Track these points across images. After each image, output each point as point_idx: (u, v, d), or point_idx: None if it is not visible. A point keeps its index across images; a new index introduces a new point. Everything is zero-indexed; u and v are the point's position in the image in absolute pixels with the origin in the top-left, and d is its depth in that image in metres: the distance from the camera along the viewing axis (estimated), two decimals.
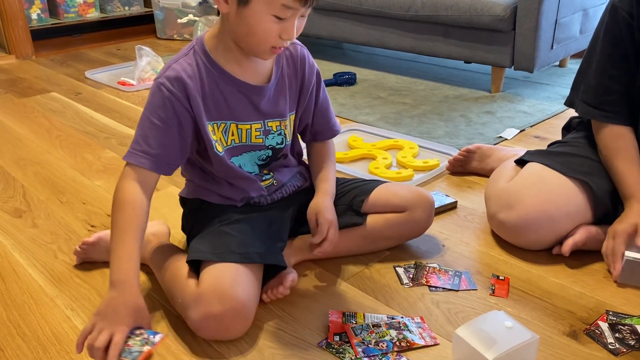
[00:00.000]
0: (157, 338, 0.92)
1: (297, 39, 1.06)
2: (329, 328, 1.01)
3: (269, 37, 0.97)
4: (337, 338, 0.99)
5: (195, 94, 1.03)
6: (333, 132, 1.25)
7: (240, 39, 1.01)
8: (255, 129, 1.11)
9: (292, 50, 1.14)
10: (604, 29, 1.22)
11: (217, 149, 1.08)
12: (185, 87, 1.02)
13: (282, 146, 1.16)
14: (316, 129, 1.23)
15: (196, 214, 1.17)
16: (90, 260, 1.25)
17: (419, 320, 1.05)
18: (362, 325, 1.02)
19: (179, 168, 1.17)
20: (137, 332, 0.94)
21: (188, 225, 1.20)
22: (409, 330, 1.02)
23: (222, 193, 1.15)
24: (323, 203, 1.13)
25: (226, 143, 1.09)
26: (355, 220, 1.20)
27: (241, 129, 1.09)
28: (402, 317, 1.06)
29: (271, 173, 1.18)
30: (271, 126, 1.12)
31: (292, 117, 1.17)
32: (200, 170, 1.15)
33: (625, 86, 1.22)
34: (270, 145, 1.14)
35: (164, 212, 1.49)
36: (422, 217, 1.23)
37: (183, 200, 1.23)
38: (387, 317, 1.06)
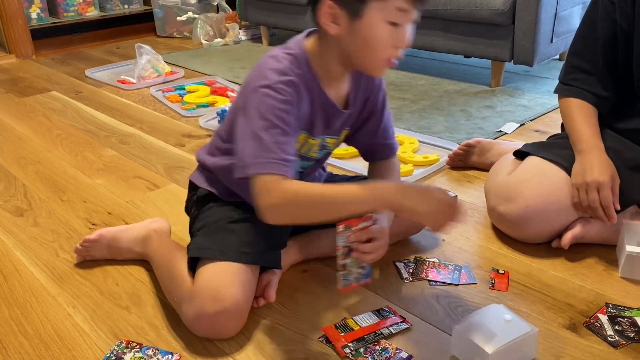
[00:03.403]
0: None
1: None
2: (335, 346, 1.00)
3: (386, 48, 0.95)
4: (347, 350, 0.98)
5: (303, 100, 1.00)
6: (393, 149, 1.22)
7: (353, 57, 0.98)
8: (318, 143, 1.11)
9: None
10: (584, 13, 1.28)
11: None
12: (298, 92, 0.98)
13: (324, 158, 1.18)
14: (377, 147, 1.20)
15: (202, 203, 1.15)
16: (92, 258, 1.25)
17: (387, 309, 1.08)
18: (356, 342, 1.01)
19: (201, 152, 1.18)
20: (149, 352, 0.97)
21: (192, 212, 1.18)
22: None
23: (240, 192, 1.11)
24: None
25: None
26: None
27: (307, 140, 1.08)
28: (387, 310, 1.07)
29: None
30: (328, 142, 1.13)
31: (346, 132, 1.15)
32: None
33: (596, 67, 1.25)
34: (318, 157, 1.15)
35: (164, 209, 1.50)
36: (413, 229, 1.26)
37: (193, 186, 1.20)
38: (374, 314, 1.06)
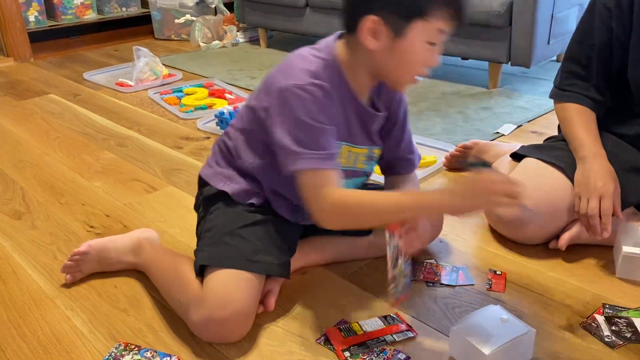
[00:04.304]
0: None
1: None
2: (335, 349, 0.99)
3: (419, 66, 0.98)
4: (347, 354, 0.98)
5: (335, 107, 1.00)
6: (414, 164, 1.21)
7: (386, 71, 1.00)
8: (364, 154, 1.11)
9: None
10: (580, 18, 1.27)
11: None
12: (329, 98, 0.98)
13: (372, 171, 1.17)
14: (400, 161, 1.19)
15: (212, 203, 1.12)
16: (82, 274, 1.20)
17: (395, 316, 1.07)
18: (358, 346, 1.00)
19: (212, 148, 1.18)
20: (148, 354, 0.97)
21: (200, 211, 1.16)
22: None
23: (249, 187, 1.09)
24: None
25: None
26: (361, 231, 1.20)
27: (351, 151, 1.08)
28: (393, 316, 1.07)
29: None
30: (375, 153, 1.13)
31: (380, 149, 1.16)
32: (259, 172, 1.08)
33: (590, 73, 1.25)
34: (368, 171, 1.14)
35: (162, 212, 1.50)
36: (432, 236, 1.25)
37: (202, 182, 1.17)
38: (381, 320, 1.06)
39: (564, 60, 1.31)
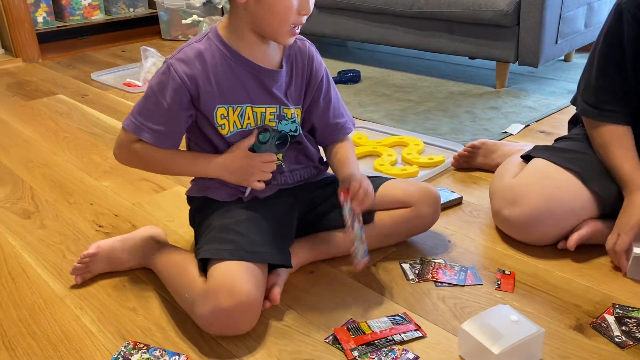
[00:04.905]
0: None
1: (303, 36, 1.09)
2: (343, 348, 0.99)
3: (289, 15, 1.01)
4: (355, 353, 0.98)
5: (205, 79, 1.06)
6: (345, 127, 1.23)
7: (261, 24, 1.04)
8: (270, 112, 1.12)
9: (301, 45, 1.15)
10: (606, 29, 1.21)
11: (221, 133, 1.10)
12: (194, 72, 1.05)
13: (296, 134, 1.17)
14: (332, 126, 1.22)
15: (203, 211, 1.18)
16: (91, 274, 1.21)
17: (404, 315, 1.07)
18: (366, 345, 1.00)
19: None
20: (157, 353, 0.97)
21: (195, 223, 1.21)
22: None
23: (228, 184, 1.14)
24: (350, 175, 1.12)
25: (241, 126, 1.11)
26: (364, 218, 1.20)
27: (256, 112, 1.11)
28: (402, 316, 1.07)
29: (281, 157, 1.17)
30: (286, 113, 1.14)
31: (299, 110, 1.17)
32: None
33: (624, 87, 1.21)
34: (283, 130, 1.15)
35: (171, 212, 1.50)
36: (428, 212, 1.23)
37: (190, 199, 1.24)
38: (389, 320, 1.05)
39: (595, 75, 1.23)
